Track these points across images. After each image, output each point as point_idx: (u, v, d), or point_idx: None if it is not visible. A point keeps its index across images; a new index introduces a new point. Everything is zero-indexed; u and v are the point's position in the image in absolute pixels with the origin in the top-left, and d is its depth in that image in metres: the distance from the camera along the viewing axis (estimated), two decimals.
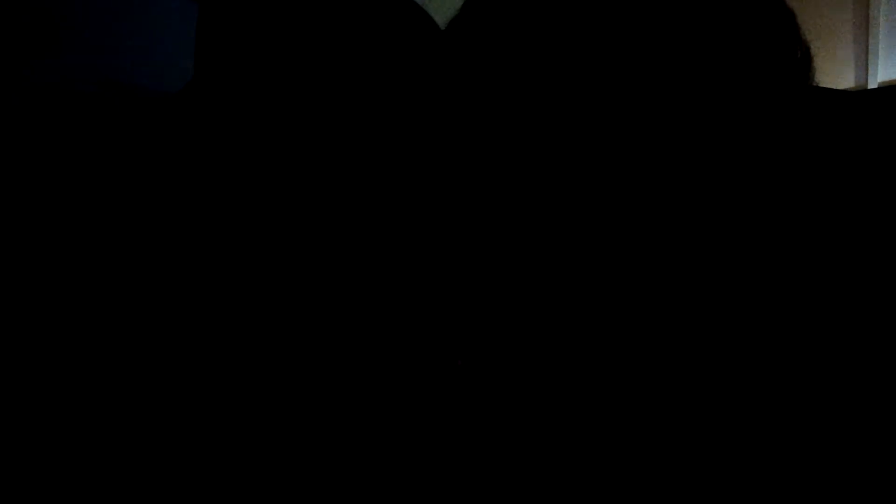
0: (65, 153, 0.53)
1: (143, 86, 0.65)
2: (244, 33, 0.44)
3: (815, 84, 0.40)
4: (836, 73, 1.57)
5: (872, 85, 1.58)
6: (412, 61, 0.45)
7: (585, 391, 0.38)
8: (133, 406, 0.42)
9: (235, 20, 0.45)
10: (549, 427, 0.38)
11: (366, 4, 0.45)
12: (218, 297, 0.43)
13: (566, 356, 0.38)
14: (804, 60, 0.38)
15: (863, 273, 0.34)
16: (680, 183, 0.36)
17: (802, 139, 0.37)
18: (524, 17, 0.39)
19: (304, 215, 0.43)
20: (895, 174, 0.35)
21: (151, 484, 0.41)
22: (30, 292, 0.46)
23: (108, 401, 0.42)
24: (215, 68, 0.46)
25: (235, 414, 0.42)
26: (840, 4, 1.54)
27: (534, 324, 0.39)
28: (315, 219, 0.43)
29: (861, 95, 0.41)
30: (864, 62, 1.56)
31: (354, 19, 0.45)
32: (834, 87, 0.44)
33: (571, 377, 0.38)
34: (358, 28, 0.44)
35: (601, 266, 0.37)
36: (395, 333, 0.43)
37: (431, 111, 0.44)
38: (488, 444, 0.40)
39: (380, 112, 0.44)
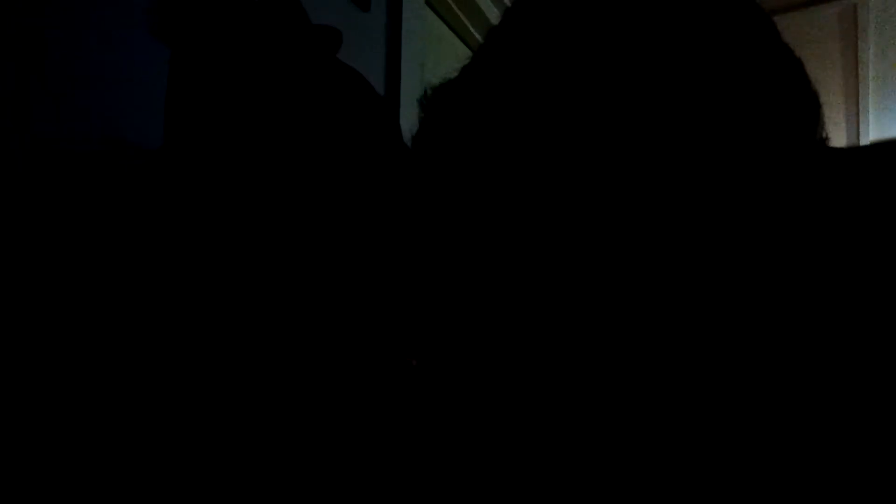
0: (65, 212, 0.56)
1: (140, 144, 0.66)
2: (212, 90, 0.43)
3: (823, 136, 0.38)
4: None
5: (864, 143, 1.59)
6: (380, 115, 0.48)
7: (542, 390, 0.36)
8: (126, 406, 0.42)
9: (203, 76, 0.44)
10: (504, 425, 0.37)
11: (328, 71, 0.48)
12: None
13: (521, 355, 0.37)
14: (813, 112, 0.36)
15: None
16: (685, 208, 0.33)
17: (815, 197, 0.34)
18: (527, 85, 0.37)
19: (270, 222, 0.44)
20: None
21: (145, 482, 0.41)
22: (35, 311, 0.48)
23: (108, 402, 0.42)
24: (185, 126, 0.44)
25: (211, 409, 0.42)
26: (828, 61, 1.56)
27: (486, 322, 0.38)
28: (281, 220, 0.44)
29: (870, 151, 0.39)
30: (854, 120, 1.58)
31: (318, 79, 0.46)
32: None
33: (527, 375, 0.37)
34: (321, 84, 0.48)
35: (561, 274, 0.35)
36: (350, 334, 0.44)
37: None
38: (444, 443, 0.40)
39: (344, 148, 0.46)
